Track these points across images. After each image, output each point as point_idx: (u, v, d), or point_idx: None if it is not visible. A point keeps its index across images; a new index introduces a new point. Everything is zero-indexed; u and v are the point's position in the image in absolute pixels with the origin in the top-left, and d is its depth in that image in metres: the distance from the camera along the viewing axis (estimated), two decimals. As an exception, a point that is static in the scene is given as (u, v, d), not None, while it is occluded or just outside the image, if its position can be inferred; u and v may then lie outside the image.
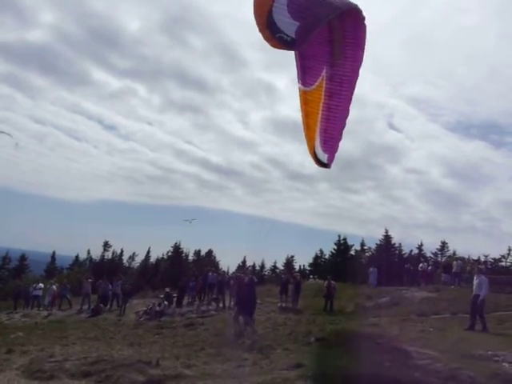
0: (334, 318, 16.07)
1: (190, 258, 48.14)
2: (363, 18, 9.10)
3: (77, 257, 49.56)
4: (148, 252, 48.96)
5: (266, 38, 7.05)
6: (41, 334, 15.35)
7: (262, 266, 49.79)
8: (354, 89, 11.17)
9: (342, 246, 45.20)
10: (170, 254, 46.81)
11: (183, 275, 25.98)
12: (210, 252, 49.34)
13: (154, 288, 30.73)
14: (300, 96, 12.11)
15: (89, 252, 49.52)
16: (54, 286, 24.95)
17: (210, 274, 22.85)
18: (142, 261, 48.51)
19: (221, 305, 20.48)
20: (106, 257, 48.20)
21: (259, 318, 16.84)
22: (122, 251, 49.10)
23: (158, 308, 19.25)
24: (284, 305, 20.05)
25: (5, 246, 57.13)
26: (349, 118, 10.64)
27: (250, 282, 14.20)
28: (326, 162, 12.08)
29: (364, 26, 9.74)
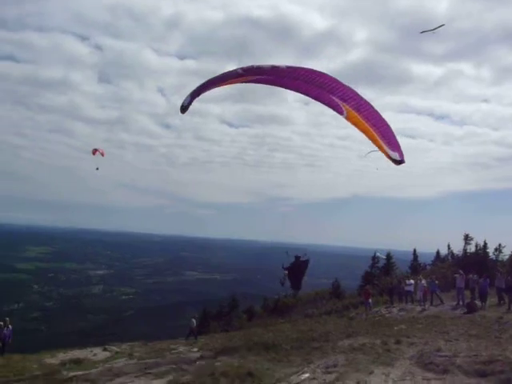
0: None
1: None
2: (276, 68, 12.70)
3: (437, 252, 49.26)
4: (517, 242, 43.08)
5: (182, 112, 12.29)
6: (420, 327, 15.77)
7: None
8: (360, 97, 13.67)
9: None
10: (546, 242, 39.59)
11: None
12: None
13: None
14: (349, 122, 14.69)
15: (449, 247, 48.25)
16: (424, 282, 25.39)
17: None
18: (512, 252, 43.07)
19: None
20: (468, 250, 45.65)
21: None
22: (485, 243, 45.27)
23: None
24: None
25: (372, 247, 63.76)
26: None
27: None
28: (398, 159, 14.53)
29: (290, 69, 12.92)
